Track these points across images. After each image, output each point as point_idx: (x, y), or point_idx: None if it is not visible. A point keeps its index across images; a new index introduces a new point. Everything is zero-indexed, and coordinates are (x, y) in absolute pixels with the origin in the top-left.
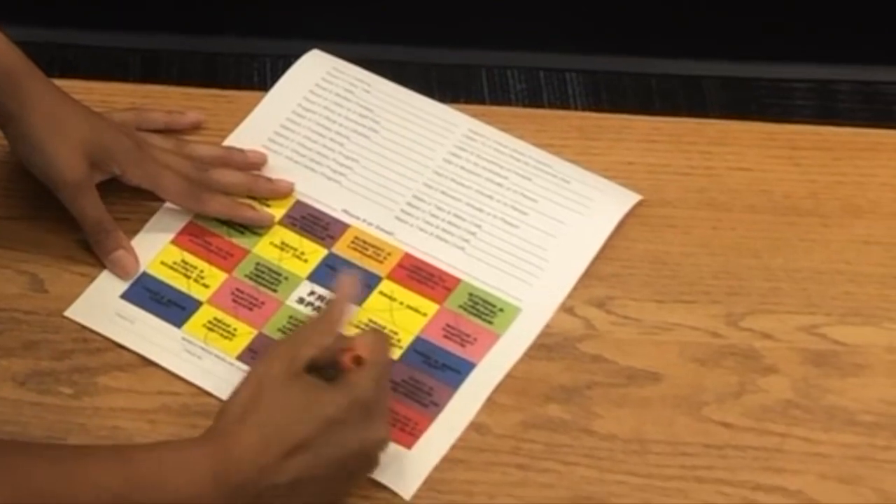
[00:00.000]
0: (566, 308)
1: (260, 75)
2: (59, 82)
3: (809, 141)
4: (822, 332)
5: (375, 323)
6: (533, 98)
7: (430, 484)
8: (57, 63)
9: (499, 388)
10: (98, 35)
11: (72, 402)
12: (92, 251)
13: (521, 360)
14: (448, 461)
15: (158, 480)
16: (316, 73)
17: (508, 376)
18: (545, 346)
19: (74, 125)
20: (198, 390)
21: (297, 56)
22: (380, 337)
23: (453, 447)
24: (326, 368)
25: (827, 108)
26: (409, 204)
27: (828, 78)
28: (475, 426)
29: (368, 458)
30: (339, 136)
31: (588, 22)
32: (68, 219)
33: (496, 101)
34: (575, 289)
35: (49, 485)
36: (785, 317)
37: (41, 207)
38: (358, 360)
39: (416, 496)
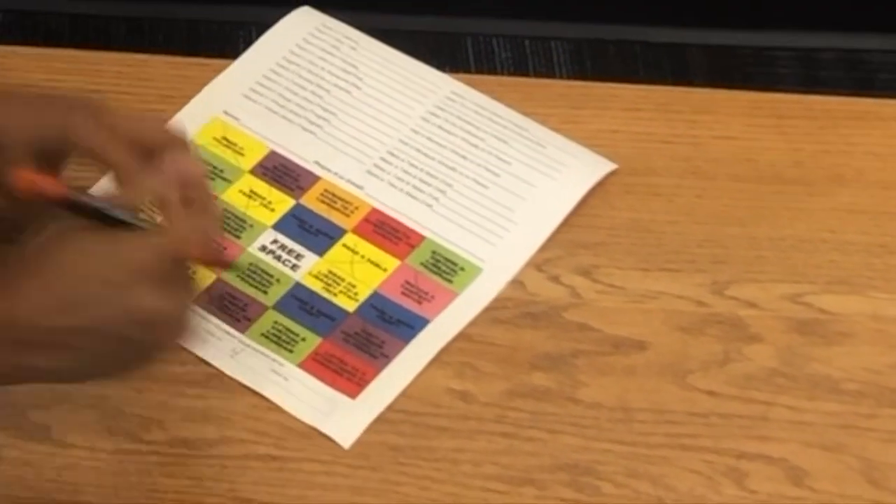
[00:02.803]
0: (551, 276)
1: (245, 43)
2: (43, 51)
3: (795, 110)
4: (806, 300)
5: (334, 275)
6: (518, 66)
7: (415, 452)
8: (40, 31)
9: (483, 357)
10: (81, 2)
11: None
12: None
13: (506, 329)
14: (433, 429)
15: None
16: (304, 27)
17: (492, 344)
18: (530, 315)
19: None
20: None
21: None
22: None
23: (438, 415)
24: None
25: (810, 75)
26: (383, 159)
27: (811, 46)
28: (460, 394)
29: (149, 330)
30: (320, 88)
31: None
32: None
33: (481, 70)
34: (560, 257)
35: None
36: (769, 285)
37: None
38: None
39: (400, 464)
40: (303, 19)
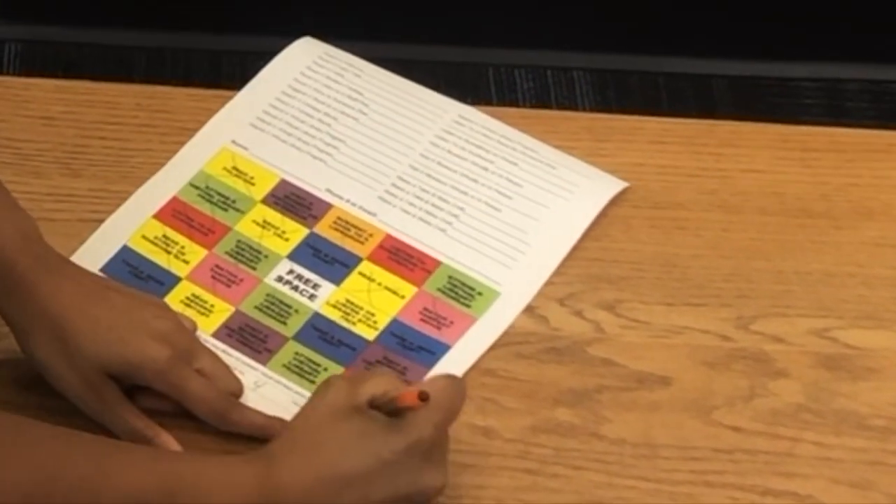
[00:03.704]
0: (575, 311)
1: None
2: (62, 82)
3: (821, 143)
4: (833, 335)
5: (352, 303)
6: (540, 97)
7: None
8: (60, 62)
9: (506, 392)
10: (102, 33)
11: None
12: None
13: (529, 364)
14: (456, 465)
15: (198, 494)
16: (307, 57)
17: (515, 379)
18: (554, 350)
19: (85, 344)
20: None
21: None
22: (455, 382)
23: (462, 451)
24: (389, 406)
25: (835, 106)
26: (394, 185)
27: (836, 77)
28: (483, 430)
29: (420, 502)
30: (328, 116)
31: (596, 20)
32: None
33: (503, 100)
34: (583, 291)
35: (83, 478)
36: (796, 320)
37: None
38: (423, 396)
39: None
40: (304, 49)
